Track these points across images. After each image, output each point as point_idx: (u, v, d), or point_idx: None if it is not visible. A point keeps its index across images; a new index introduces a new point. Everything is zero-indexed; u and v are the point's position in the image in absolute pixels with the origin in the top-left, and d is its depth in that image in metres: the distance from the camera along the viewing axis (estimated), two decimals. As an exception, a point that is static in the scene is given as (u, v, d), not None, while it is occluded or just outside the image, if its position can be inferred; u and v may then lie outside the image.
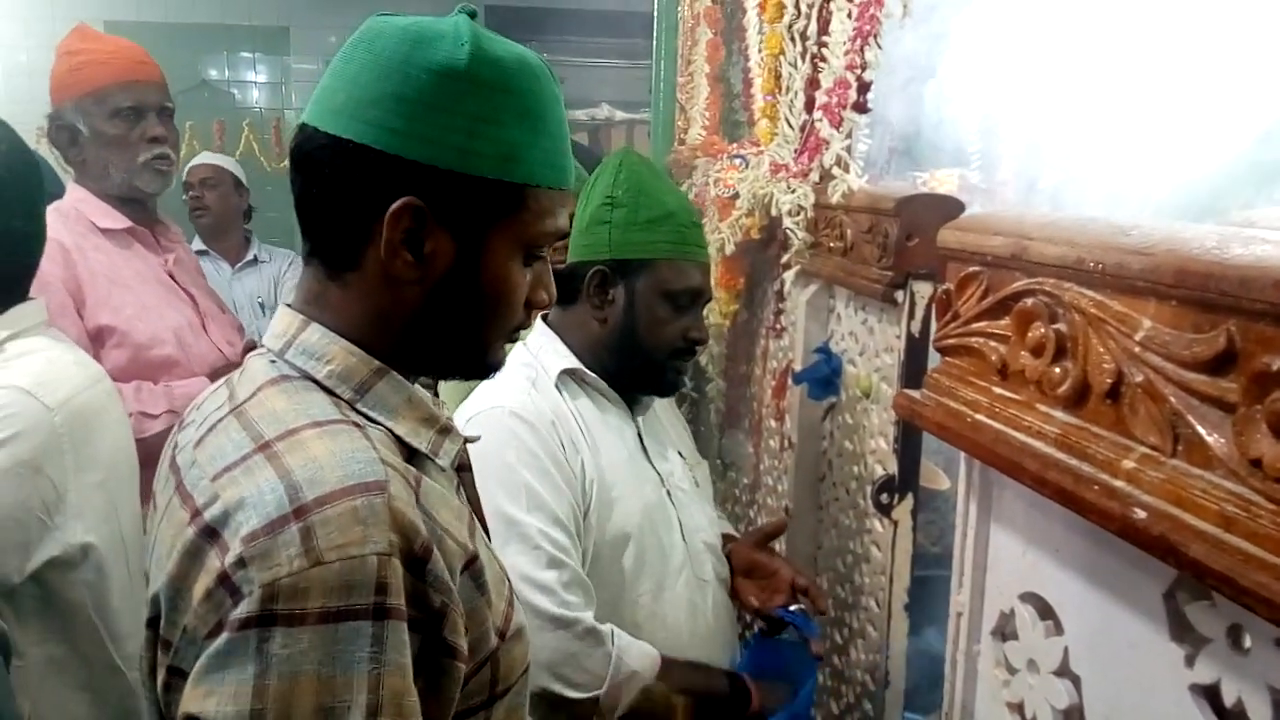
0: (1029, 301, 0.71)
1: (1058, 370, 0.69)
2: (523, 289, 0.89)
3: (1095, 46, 1.82)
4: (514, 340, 0.95)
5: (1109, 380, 0.64)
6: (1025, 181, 2.13)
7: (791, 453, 1.89)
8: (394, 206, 0.79)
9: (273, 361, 0.84)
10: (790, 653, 1.52)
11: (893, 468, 1.50)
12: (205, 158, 3.56)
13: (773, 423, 2.04)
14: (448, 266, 0.83)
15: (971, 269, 0.79)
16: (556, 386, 1.49)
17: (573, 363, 1.51)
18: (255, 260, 3.54)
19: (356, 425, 0.78)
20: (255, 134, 6.01)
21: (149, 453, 1.86)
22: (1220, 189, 1.15)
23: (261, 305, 3.50)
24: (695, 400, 2.37)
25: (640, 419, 1.59)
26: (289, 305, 0.88)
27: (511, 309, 0.89)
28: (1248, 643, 0.59)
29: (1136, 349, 0.61)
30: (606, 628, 1.36)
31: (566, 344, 1.53)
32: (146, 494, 1.74)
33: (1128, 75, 1.61)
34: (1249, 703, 0.59)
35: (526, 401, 1.43)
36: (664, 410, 1.71)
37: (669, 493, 1.56)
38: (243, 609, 0.67)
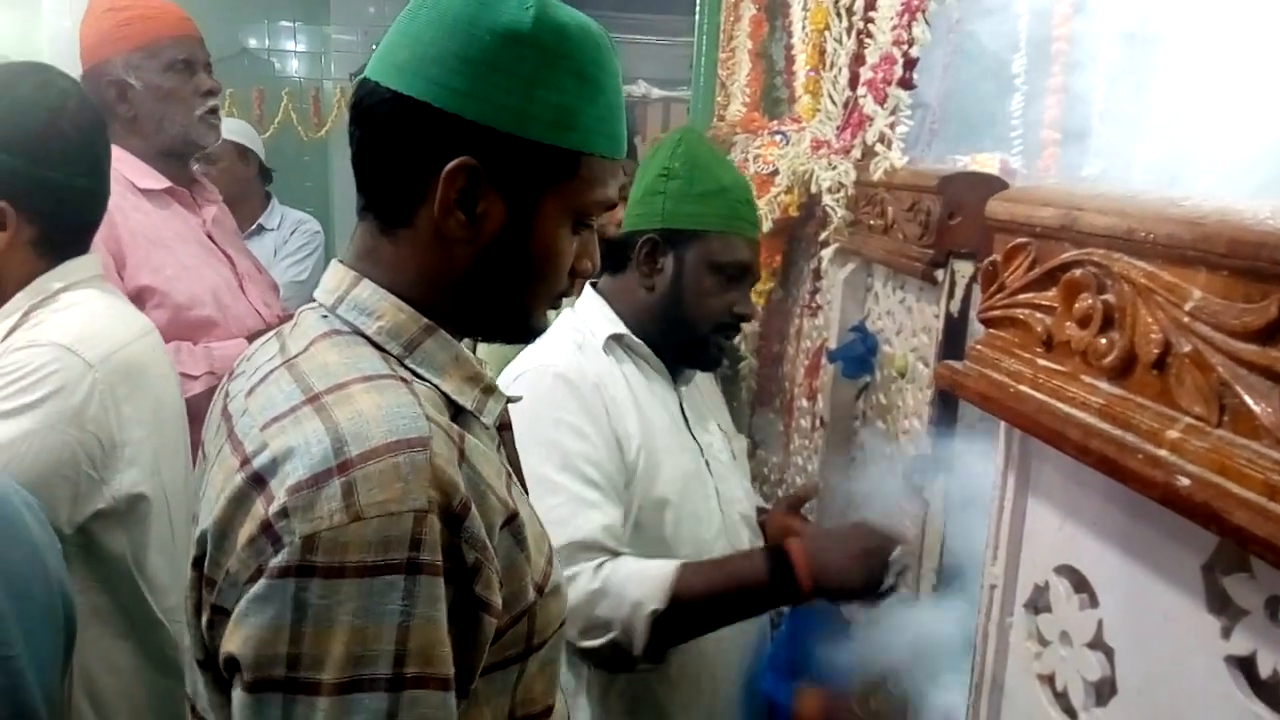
0: (1077, 272, 0.71)
1: (1104, 341, 0.69)
2: (569, 256, 0.90)
3: (1141, 29, 1.80)
4: (556, 307, 0.96)
5: (1156, 350, 0.64)
6: (1067, 168, 2.12)
7: (823, 432, 1.89)
8: (450, 165, 0.81)
9: (324, 316, 0.86)
10: (821, 619, 1.54)
11: (926, 448, 1.50)
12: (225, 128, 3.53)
13: (805, 402, 2.04)
14: (498, 228, 0.85)
15: (1020, 240, 0.79)
16: (604, 351, 1.51)
17: (620, 328, 1.53)
18: (260, 229, 3.48)
19: (404, 381, 0.80)
20: (294, 103, 6.04)
21: (190, 413, 1.90)
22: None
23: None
24: (729, 378, 2.37)
25: (682, 389, 1.61)
26: (340, 261, 0.90)
27: (557, 274, 0.90)
28: (1287, 615, 0.59)
29: (1185, 319, 0.61)
30: (601, 576, 1.35)
31: (614, 310, 1.55)
32: (191, 451, 1.77)
33: (1178, 57, 1.59)
34: (1286, 674, 0.59)
35: (571, 363, 1.45)
36: (704, 384, 1.73)
37: (707, 463, 1.58)
38: (283, 558, 0.70)
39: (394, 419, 0.74)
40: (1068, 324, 0.73)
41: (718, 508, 1.59)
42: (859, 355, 1.72)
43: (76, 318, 1.33)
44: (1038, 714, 0.84)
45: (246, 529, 0.72)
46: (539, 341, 1.54)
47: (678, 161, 1.54)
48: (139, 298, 1.91)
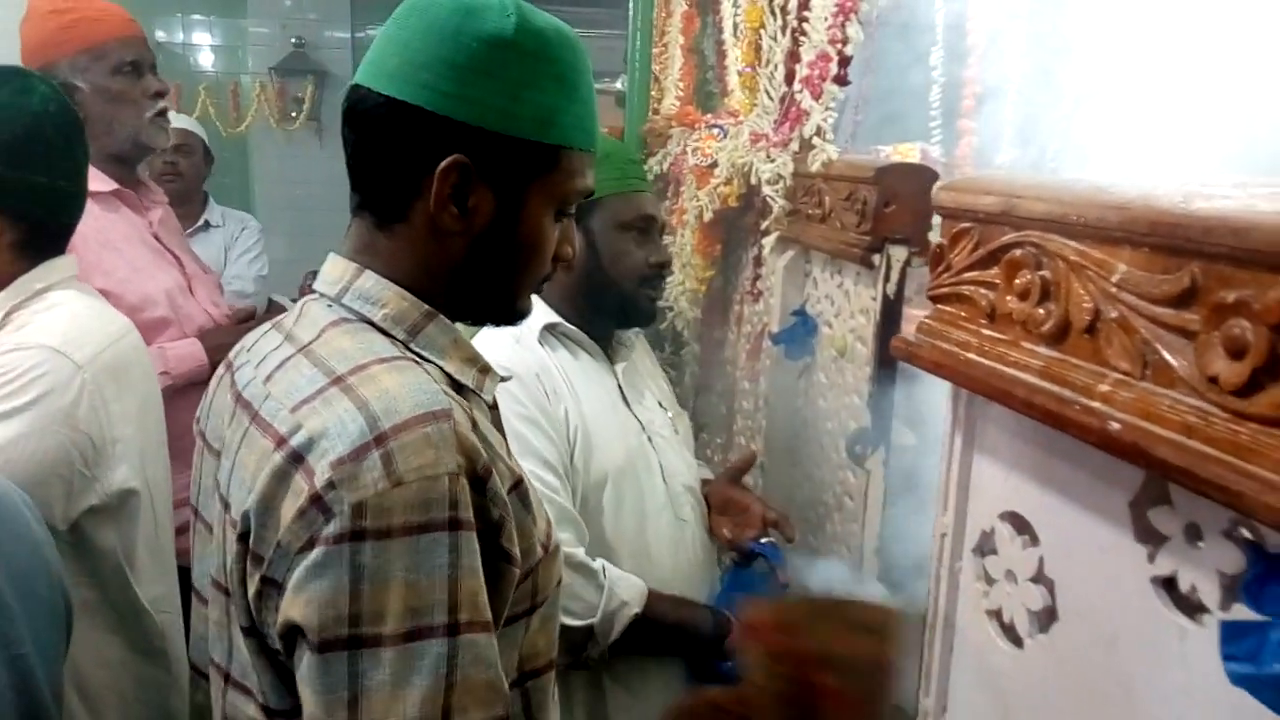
0: (1017, 252, 0.82)
1: (1041, 311, 0.79)
2: (553, 242, 0.98)
3: (1051, 19, 1.93)
4: (538, 292, 1.03)
5: (1087, 318, 0.74)
6: (982, 157, 2.26)
7: (766, 411, 1.99)
8: (444, 163, 0.88)
9: (330, 305, 0.92)
10: (760, 582, 1.65)
11: (866, 421, 1.61)
12: (177, 120, 3.51)
13: (747, 385, 2.14)
14: (489, 220, 0.92)
15: (964, 225, 0.89)
16: (540, 342, 1.58)
17: (553, 317, 1.61)
18: (207, 226, 3.49)
19: (416, 361, 0.87)
20: (211, 98, 5.94)
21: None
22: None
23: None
24: (673, 363, 2.46)
25: (620, 368, 1.69)
26: (338, 254, 0.96)
27: (542, 260, 0.98)
28: (1201, 538, 0.70)
29: (1112, 290, 0.71)
30: (598, 563, 1.47)
31: (543, 300, 1.63)
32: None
33: (1085, 47, 1.72)
34: (1201, 587, 0.70)
35: (512, 356, 1.53)
36: (642, 362, 1.81)
37: (649, 438, 1.66)
38: (334, 526, 0.76)
39: (418, 394, 0.81)
40: (1009, 298, 0.83)
41: (661, 480, 1.67)
42: (800, 337, 1.83)
43: (61, 318, 1.35)
44: (987, 645, 0.95)
45: (292, 503, 0.78)
46: (479, 339, 1.62)
47: None
48: (93, 301, 1.91)
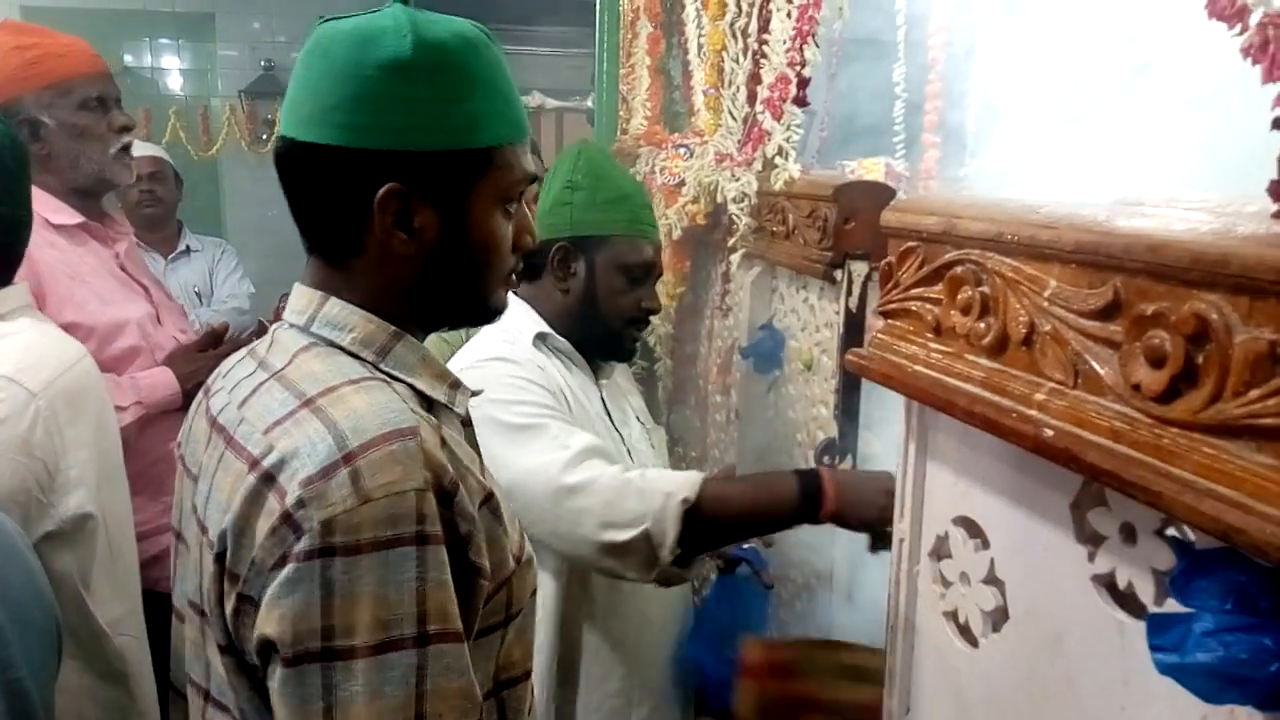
0: (958, 269, 0.86)
1: (982, 325, 0.83)
2: (507, 239, 1.00)
3: (1014, 35, 1.99)
4: (509, 285, 1.05)
5: (1024, 330, 0.78)
6: (946, 170, 2.31)
7: (737, 424, 2.03)
8: (378, 195, 0.90)
9: (300, 332, 0.95)
10: (745, 586, 1.68)
11: (833, 432, 1.65)
12: (143, 148, 3.54)
13: (719, 398, 2.18)
14: (437, 235, 0.94)
15: (909, 244, 0.93)
16: (534, 346, 1.62)
17: (544, 328, 1.65)
18: (188, 250, 3.55)
19: (385, 381, 0.90)
20: (181, 122, 5.94)
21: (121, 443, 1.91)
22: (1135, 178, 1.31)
23: (198, 294, 3.53)
24: (646, 378, 2.50)
25: (603, 383, 1.73)
26: (303, 283, 0.99)
27: (501, 258, 1.00)
28: (1136, 537, 0.74)
29: (1045, 304, 0.76)
30: (631, 473, 1.45)
31: (537, 312, 1.67)
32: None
33: (1048, 63, 1.77)
34: (1137, 583, 0.74)
35: (508, 350, 1.57)
36: (622, 379, 1.85)
37: (629, 452, 1.70)
38: (305, 543, 0.79)
39: (385, 413, 0.84)
40: (952, 312, 0.88)
41: None
42: (768, 351, 1.87)
43: (15, 347, 1.36)
44: (945, 645, 0.99)
45: (265, 522, 0.81)
46: (472, 344, 1.65)
47: (580, 174, 1.67)
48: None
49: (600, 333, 1.69)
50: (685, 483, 1.42)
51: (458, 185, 0.93)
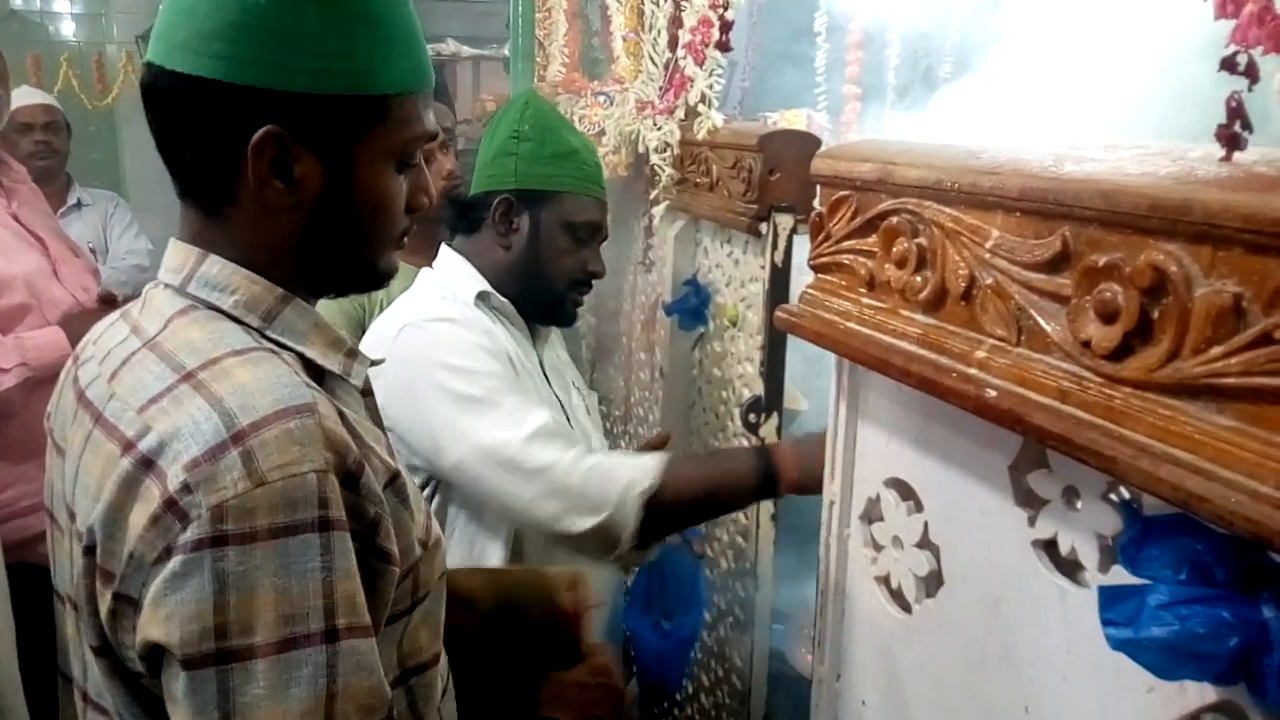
0: (894, 220, 0.81)
1: (919, 279, 0.78)
2: (399, 198, 0.90)
3: None
4: (401, 246, 0.96)
5: (963, 284, 0.73)
6: (867, 122, 2.27)
7: (662, 382, 1.98)
8: (255, 137, 0.80)
9: (175, 294, 0.86)
10: (676, 555, 1.64)
11: (759, 389, 1.61)
12: (34, 95, 3.33)
13: (643, 355, 2.12)
14: (320, 188, 0.84)
15: (842, 193, 0.87)
16: (475, 306, 1.54)
17: (485, 286, 1.56)
18: (79, 204, 3.37)
19: (273, 351, 0.81)
20: (74, 69, 5.62)
21: (2, 408, 1.79)
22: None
23: (93, 251, 3.36)
24: (568, 335, 2.43)
25: (542, 349, 1.66)
26: (178, 239, 0.89)
27: (391, 219, 0.90)
28: (1079, 501, 0.71)
29: (987, 256, 0.71)
30: (589, 460, 1.39)
31: (477, 269, 1.58)
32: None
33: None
34: (1080, 549, 0.70)
35: (451, 309, 1.48)
36: (558, 344, 1.78)
37: (569, 419, 1.64)
38: (193, 532, 0.71)
39: (277, 388, 0.76)
40: (887, 266, 0.82)
41: None
42: (693, 307, 1.81)
43: None
44: (877, 611, 0.95)
45: (142, 511, 0.73)
46: (407, 300, 1.56)
47: (527, 124, 1.58)
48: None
49: (542, 294, 1.61)
50: (645, 471, 1.36)
51: (346, 134, 0.84)
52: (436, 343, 1.42)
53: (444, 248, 1.64)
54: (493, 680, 1.15)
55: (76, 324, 1.92)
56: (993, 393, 0.68)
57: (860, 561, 0.97)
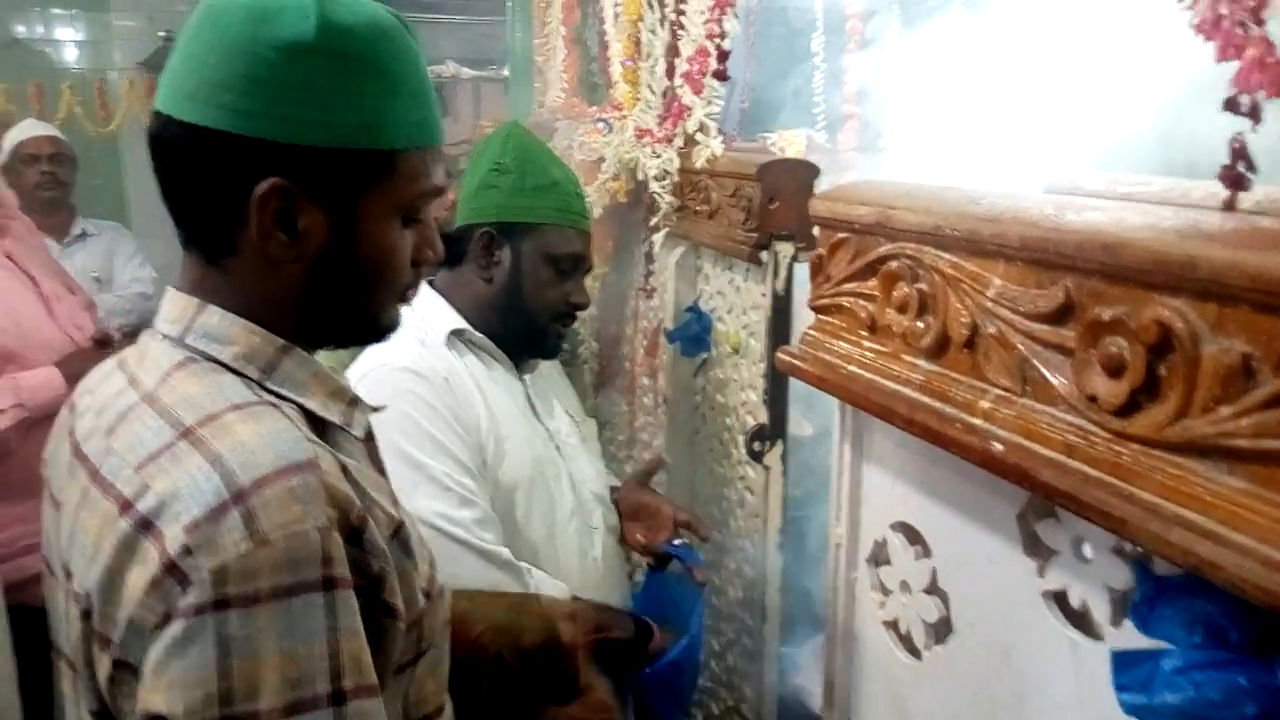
0: (893, 264, 0.79)
1: (920, 324, 0.77)
2: (404, 252, 0.89)
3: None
4: (406, 301, 0.95)
5: (966, 332, 0.72)
6: (865, 140, 2.26)
7: (665, 408, 1.96)
8: (259, 190, 0.79)
9: (173, 345, 0.85)
10: (677, 583, 1.63)
11: (763, 417, 1.60)
12: (40, 128, 3.34)
13: (646, 380, 2.11)
14: (324, 241, 0.83)
15: (841, 235, 0.86)
16: (447, 346, 1.53)
17: (460, 323, 1.55)
18: (84, 235, 3.38)
19: (273, 405, 0.80)
20: (77, 96, 5.64)
21: (-1, 449, 1.77)
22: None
23: (98, 280, 3.37)
24: (570, 361, 2.42)
25: (527, 378, 1.65)
26: (177, 288, 0.88)
27: (396, 273, 0.89)
28: (1089, 552, 0.69)
29: (989, 304, 0.70)
30: (523, 564, 1.43)
31: (453, 305, 1.58)
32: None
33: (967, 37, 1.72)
34: (1092, 603, 0.69)
35: (418, 358, 1.47)
36: (549, 371, 1.77)
37: (558, 447, 1.63)
38: (194, 596, 0.69)
39: (277, 444, 0.75)
40: (888, 310, 0.81)
41: (570, 489, 1.64)
42: (695, 334, 1.80)
43: None
44: (887, 656, 0.94)
45: (142, 574, 0.71)
46: (379, 347, 1.55)
47: (509, 156, 1.57)
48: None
49: (524, 327, 1.60)
50: (564, 598, 1.43)
51: (352, 188, 0.83)
52: (395, 391, 1.41)
53: (423, 284, 1.64)
54: (491, 713, 1.14)
55: (72, 364, 1.91)
56: (999, 446, 0.67)
57: (868, 605, 0.96)
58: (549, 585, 1.45)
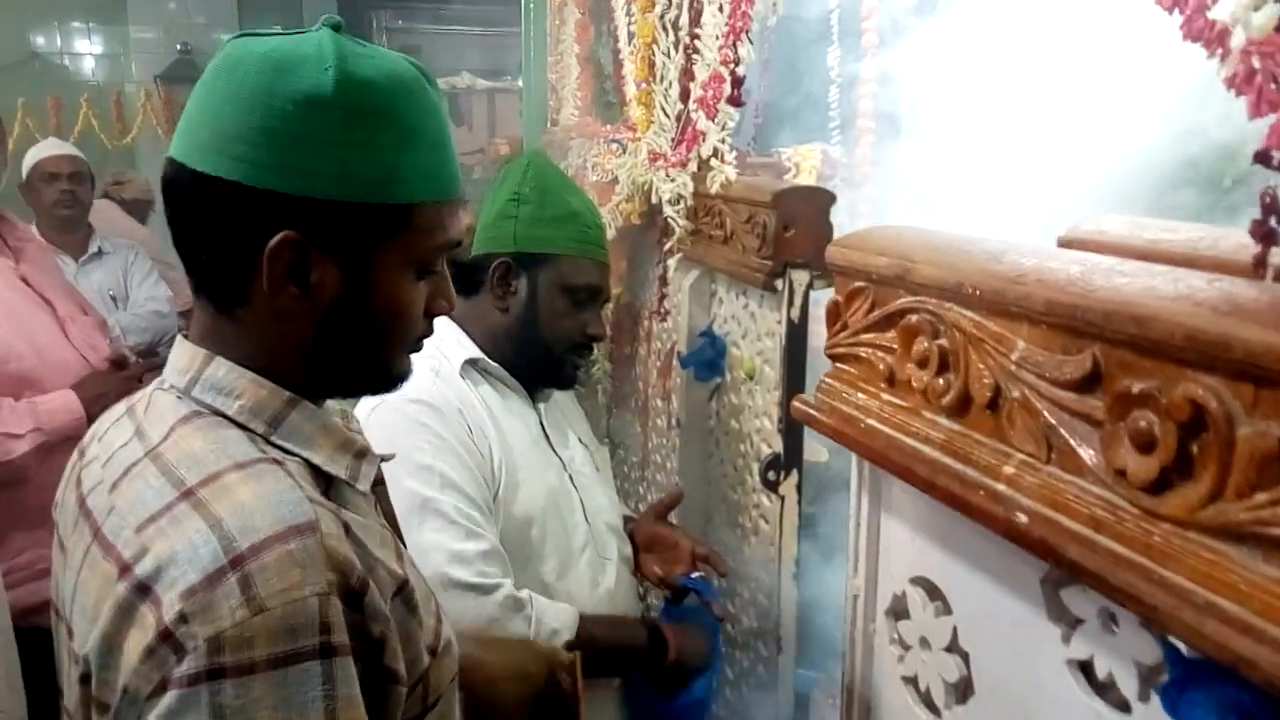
0: (913, 318, 0.77)
1: (941, 381, 0.75)
2: (418, 304, 0.88)
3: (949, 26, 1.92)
4: (418, 350, 0.94)
5: (988, 393, 0.70)
6: (882, 156, 2.24)
7: (679, 431, 1.94)
8: (272, 243, 0.78)
9: (179, 398, 0.84)
10: (693, 618, 1.60)
11: (778, 446, 1.57)
12: (59, 147, 3.38)
13: (659, 402, 2.09)
14: (336, 294, 0.82)
15: (858, 284, 0.84)
16: (461, 376, 1.52)
17: (475, 353, 1.54)
18: (100, 252, 3.41)
19: (277, 462, 0.79)
20: (94, 109, 5.68)
21: (15, 476, 1.77)
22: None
23: (113, 298, 3.39)
24: (582, 382, 2.41)
25: (542, 407, 1.63)
26: (186, 337, 0.87)
27: (409, 324, 0.89)
28: (1116, 624, 0.67)
29: (1013, 367, 0.67)
30: (525, 593, 1.42)
31: (468, 334, 1.57)
32: (12, 517, 1.66)
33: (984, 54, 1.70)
34: (1119, 676, 0.67)
35: (431, 389, 1.46)
36: (563, 400, 1.76)
37: (571, 477, 1.61)
38: (188, 665, 0.68)
39: (278, 506, 0.73)
40: (908, 364, 0.79)
41: (583, 519, 1.62)
42: (709, 359, 1.78)
43: None
44: (905, 713, 0.91)
45: (138, 640, 0.70)
46: None
47: (528, 186, 1.56)
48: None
49: (540, 357, 1.59)
50: (569, 624, 1.45)
51: (366, 242, 0.82)
52: (406, 425, 1.41)
53: None
54: None
55: (88, 386, 1.91)
56: (1023, 518, 0.65)
57: (887, 659, 0.94)
58: (551, 613, 1.44)
